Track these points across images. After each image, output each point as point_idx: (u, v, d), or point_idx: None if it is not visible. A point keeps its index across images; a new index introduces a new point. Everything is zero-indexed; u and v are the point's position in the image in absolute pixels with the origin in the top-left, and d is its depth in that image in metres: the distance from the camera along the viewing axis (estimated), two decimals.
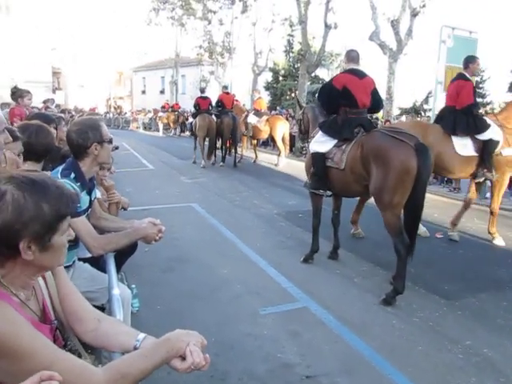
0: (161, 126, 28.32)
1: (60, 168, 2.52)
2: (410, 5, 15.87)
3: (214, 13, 27.73)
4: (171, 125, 26.84)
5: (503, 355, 3.36)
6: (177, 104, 29.86)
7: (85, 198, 2.51)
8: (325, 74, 31.46)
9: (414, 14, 15.80)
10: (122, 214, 3.81)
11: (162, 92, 41.02)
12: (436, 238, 6.42)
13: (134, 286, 3.74)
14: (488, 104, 28.81)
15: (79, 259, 2.70)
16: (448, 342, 3.50)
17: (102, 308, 2.37)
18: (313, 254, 5.18)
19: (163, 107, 27.72)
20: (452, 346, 3.45)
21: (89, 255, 2.61)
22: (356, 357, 3.28)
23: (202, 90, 14.29)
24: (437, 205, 8.45)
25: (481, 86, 27.84)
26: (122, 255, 3.02)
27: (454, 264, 5.17)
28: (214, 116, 13.24)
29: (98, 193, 3.00)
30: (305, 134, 5.78)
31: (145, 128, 31.69)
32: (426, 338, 3.57)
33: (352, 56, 4.91)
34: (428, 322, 3.84)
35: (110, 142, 2.61)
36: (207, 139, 13.27)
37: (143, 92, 45.00)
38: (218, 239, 6.01)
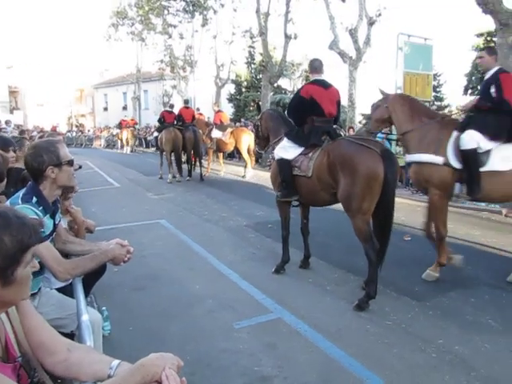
0: (119, 143, 27.87)
1: (21, 193, 2.42)
2: (366, 14, 16.32)
3: (174, 27, 27.72)
4: (128, 141, 26.34)
5: (473, 350, 3.46)
6: (132, 120, 29.48)
7: (48, 222, 2.43)
8: (287, 84, 31.86)
9: (371, 23, 16.25)
10: (89, 234, 3.71)
11: (125, 108, 40.55)
12: (404, 240, 6.55)
13: (104, 308, 3.65)
14: (446, 107, 29.85)
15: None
16: (421, 343, 3.56)
17: (71, 335, 2.30)
18: (284, 265, 5.19)
19: (120, 124, 27.20)
20: (425, 345, 3.52)
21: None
22: (333, 365, 3.29)
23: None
24: (403, 207, 8.62)
25: (438, 89, 28.79)
26: (91, 278, 2.95)
27: (423, 265, 5.26)
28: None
29: (63, 219, 2.92)
30: (262, 141, 5.74)
31: (108, 145, 31.16)
32: (400, 340, 3.62)
33: (315, 66, 4.98)
34: (401, 324, 3.90)
35: (70, 163, 2.49)
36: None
37: (105, 109, 44.35)
38: (188, 254, 5.94)
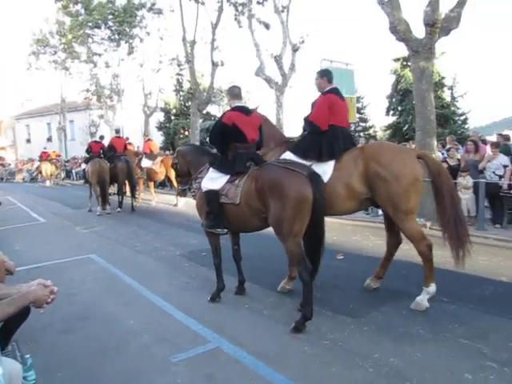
0: (40, 177, 26.72)
1: None
2: (290, 41, 17.01)
3: (100, 55, 27.32)
4: (48, 174, 25.27)
5: (406, 361, 3.60)
6: (54, 152, 28.43)
7: None
8: (216, 111, 32.20)
9: (295, 50, 16.96)
10: (10, 276, 3.49)
11: (50, 139, 39.08)
12: (337, 259, 6.74)
13: (27, 356, 3.41)
14: (371, 127, 31.45)
15: None
16: (359, 359, 3.65)
17: None
18: (219, 292, 5.15)
19: (41, 156, 26.08)
20: (362, 361, 3.61)
21: None
22: None
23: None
24: (334, 227, 8.89)
25: (362, 111, 30.30)
26: (12, 324, 2.76)
27: (356, 283, 5.43)
28: (106, 161, 12.87)
29: None
30: (183, 178, 5.73)
31: (32, 179, 29.69)
32: (337, 358, 3.68)
33: (235, 92, 5.09)
34: (338, 342, 3.97)
35: None
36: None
37: (28, 141, 42.49)
38: (120, 289, 5.74)
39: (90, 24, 24.42)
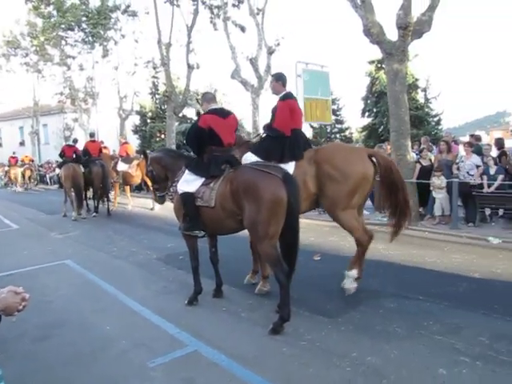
0: (11, 182, 26.18)
1: None
2: (265, 43, 17.08)
3: (73, 58, 26.89)
4: (18, 179, 24.77)
5: (383, 359, 3.64)
6: (27, 156, 27.90)
7: None
8: (192, 114, 32.02)
9: (270, 52, 17.05)
10: None
11: (22, 144, 38.25)
12: (314, 260, 6.79)
13: None
14: (347, 129, 31.82)
15: None
16: (336, 358, 3.67)
17: None
18: (197, 296, 5.14)
19: (9, 161, 25.54)
20: (340, 361, 3.63)
21: None
22: None
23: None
24: (312, 228, 8.97)
25: (338, 113, 30.62)
26: None
27: (333, 283, 5.48)
28: (81, 165, 12.69)
29: None
30: (161, 184, 5.66)
31: (5, 184, 29.02)
32: (315, 358, 3.70)
33: (209, 97, 5.13)
34: (315, 342, 4.00)
35: None
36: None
37: None
38: (97, 295, 5.66)
39: (62, 26, 24.01)
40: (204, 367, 3.66)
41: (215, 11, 18.77)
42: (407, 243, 7.79)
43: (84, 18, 24.19)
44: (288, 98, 5.36)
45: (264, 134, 5.62)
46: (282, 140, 5.23)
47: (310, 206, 5.33)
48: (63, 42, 26.01)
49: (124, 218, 12.34)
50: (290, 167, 5.06)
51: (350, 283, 5.10)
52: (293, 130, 5.26)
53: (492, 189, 8.66)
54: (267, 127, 5.52)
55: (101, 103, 28.58)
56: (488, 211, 9.43)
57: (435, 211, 9.43)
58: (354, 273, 5.16)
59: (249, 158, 5.13)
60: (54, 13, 24.26)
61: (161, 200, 5.80)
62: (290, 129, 5.23)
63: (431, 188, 9.46)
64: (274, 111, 5.38)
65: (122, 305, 5.24)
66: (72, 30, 25.04)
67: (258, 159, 5.08)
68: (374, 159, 5.12)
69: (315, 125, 25.44)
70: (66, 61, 26.69)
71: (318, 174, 5.04)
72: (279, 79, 5.49)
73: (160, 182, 5.67)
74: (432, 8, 9.58)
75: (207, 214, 4.71)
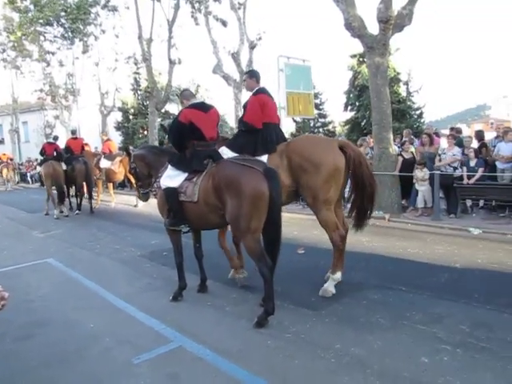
0: None
1: None
2: (247, 38, 17.03)
3: (53, 54, 26.43)
4: None
5: (367, 350, 3.70)
6: (5, 154, 27.47)
7: None
8: (175, 109, 31.85)
9: (252, 47, 17.01)
10: None
11: (2, 142, 37.59)
12: (298, 253, 6.83)
13: None
14: (330, 123, 31.93)
15: None
16: (320, 350, 3.71)
17: None
18: (181, 291, 5.13)
19: None
20: (324, 352, 3.67)
21: None
22: None
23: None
24: (295, 222, 9.01)
25: (321, 107, 30.71)
26: None
27: (317, 276, 5.52)
28: (63, 163, 12.53)
29: None
30: (144, 181, 5.68)
31: None
32: (300, 350, 3.74)
33: (187, 94, 5.12)
34: (300, 335, 4.03)
35: None
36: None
37: None
38: (80, 293, 5.61)
39: (40, 21, 23.54)
40: (189, 362, 3.67)
41: (196, 6, 18.64)
42: (390, 235, 7.90)
43: (63, 13, 23.73)
44: (260, 92, 5.38)
45: (239, 130, 5.65)
46: (254, 134, 5.27)
47: (287, 199, 5.33)
48: (42, 38, 25.51)
49: (107, 216, 12.25)
50: (263, 161, 5.06)
51: (330, 286, 5.07)
52: (265, 123, 5.28)
53: (472, 181, 8.80)
54: (239, 120, 5.60)
55: (82, 100, 28.23)
56: (469, 202, 9.60)
57: (418, 203, 9.56)
58: (338, 276, 5.17)
59: (224, 152, 5.13)
60: (31, 7, 23.79)
61: (144, 197, 5.78)
62: (260, 122, 5.25)
63: (414, 181, 9.57)
64: (245, 106, 5.45)
65: (105, 302, 5.21)
66: (51, 25, 24.58)
67: (233, 154, 5.09)
68: (345, 150, 5.09)
69: (298, 119, 25.59)
70: (45, 57, 26.21)
71: (290, 166, 5.05)
72: (253, 76, 5.53)
73: (143, 179, 5.67)
74: (412, 2, 9.68)
75: (190, 208, 4.70)
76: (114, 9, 24.32)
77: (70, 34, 24.86)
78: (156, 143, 17.47)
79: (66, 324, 4.62)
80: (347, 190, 5.65)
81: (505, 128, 9.81)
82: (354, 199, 5.27)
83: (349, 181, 5.36)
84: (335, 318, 4.37)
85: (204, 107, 4.94)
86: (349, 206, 5.45)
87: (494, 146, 9.43)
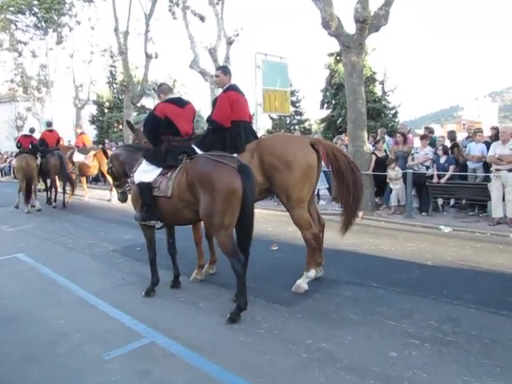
0: None
1: None
2: (225, 34, 16.96)
3: (25, 44, 25.82)
4: None
5: (338, 345, 3.75)
6: None
7: None
8: (151, 104, 31.52)
9: (230, 42, 16.95)
10: None
11: None
12: (272, 250, 6.87)
13: None
14: (306, 120, 32.09)
15: None
16: (292, 346, 3.75)
17: None
18: (154, 287, 5.11)
19: None
20: (296, 348, 3.71)
21: None
22: (210, 381, 3.28)
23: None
24: (269, 219, 9.03)
25: (297, 105, 30.85)
26: None
27: (290, 272, 5.55)
28: (37, 156, 12.25)
29: None
30: (120, 179, 5.61)
31: None
32: (272, 346, 3.76)
33: (165, 88, 5.07)
34: (273, 330, 4.05)
35: None
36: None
37: None
38: (50, 289, 5.52)
39: (11, 9, 22.93)
40: (161, 358, 3.65)
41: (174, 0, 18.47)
42: (363, 232, 8.00)
43: (35, 2, 23.18)
44: (231, 89, 5.34)
45: (208, 128, 5.60)
46: (223, 132, 5.23)
47: (259, 196, 5.27)
48: (13, 27, 24.88)
49: (80, 210, 12.07)
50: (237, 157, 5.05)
51: (303, 283, 5.09)
52: (234, 121, 5.24)
53: (444, 180, 8.99)
54: (207, 120, 5.54)
55: (55, 92, 27.66)
56: (440, 201, 9.80)
57: (391, 201, 9.71)
58: (311, 273, 5.19)
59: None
60: None
61: (122, 197, 5.69)
62: (229, 120, 5.21)
63: (388, 180, 9.72)
64: (214, 103, 5.40)
65: (77, 298, 5.14)
66: (23, 13, 23.97)
67: (201, 152, 4.99)
68: (316, 147, 5.08)
69: (274, 116, 25.64)
70: (16, 46, 25.59)
71: (262, 165, 5.01)
72: (227, 72, 5.48)
73: (120, 178, 5.62)
74: (389, 3, 9.80)
75: (164, 204, 4.68)
76: (90, 0, 23.87)
77: (43, 23, 24.30)
78: (131, 138, 17.28)
79: (35, 321, 4.54)
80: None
81: (475, 129, 10.04)
82: (341, 195, 5.18)
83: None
84: (307, 314, 4.42)
85: (180, 102, 4.92)
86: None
87: (465, 147, 9.66)
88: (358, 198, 5.11)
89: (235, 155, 5.02)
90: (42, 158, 12.30)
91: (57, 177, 12.74)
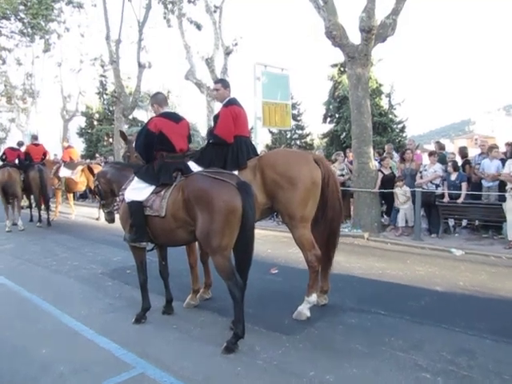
0: None
1: None
2: (222, 43, 17.14)
3: (9, 51, 25.99)
4: None
5: (343, 378, 3.71)
6: None
7: None
8: (144, 116, 31.69)
9: (228, 52, 17.13)
10: None
11: None
12: (271, 273, 6.83)
13: None
14: (308, 135, 32.22)
15: None
16: (294, 378, 3.70)
17: None
18: (145, 313, 5.07)
19: None
20: (298, 380, 3.66)
21: None
22: None
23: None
24: (269, 240, 9.03)
25: (298, 118, 31.01)
26: None
27: (291, 298, 5.52)
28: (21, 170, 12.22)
29: None
30: (108, 198, 5.62)
31: None
32: (272, 379, 3.72)
33: (161, 99, 5.10)
34: (272, 361, 4.01)
35: None
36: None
37: None
38: (33, 315, 5.45)
39: None
40: None
41: (169, 7, 18.69)
42: (369, 255, 7.99)
43: (22, 7, 23.38)
44: (232, 104, 5.37)
45: (207, 143, 5.61)
46: (224, 148, 5.25)
47: (261, 216, 5.32)
48: None
49: (66, 229, 12.03)
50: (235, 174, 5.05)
51: (305, 309, 5.07)
52: (236, 136, 5.27)
53: (460, 200, 8.90)
54: (209, 132, 5.54)
55: (41, 102, 27.82)
56: (451, 222, 9.79)
57: (398, 222, 9.70)
58: (313, 298, 5.16)
59: (192, 167, 5.06)
60: None
61: (109, 217, 5.68)
62: (232, 136, 5.24)
63: (395, 200, 9.71)
64: (216, 118, 5.42)
65: (61, 325, 5.08)
66: (7, 19, 24.11)
67: (200, 169, 5.02)
68: (319, 164, 5.13)
69: (274, 130, 25.77)
70: (0, 54, 25.78)
71: (264, 182, 5.03)
72: (227, 86, 5.51)
73: (107, 197, 5.62)
74: (396, 11, 9.93)
75: (157, 223, 4.66)
76: (80, 5, 24.07)
77: (29, 30, 24.41)
78: (122, 152, 17.32)
79: (16, 351, 4.46)
80: None
81: (491, 145, 9.92)
82: (316, 223, 5.24)
83: None
84: (310, 344, 4.37)
85: (175, 117, 4.96)
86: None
87: (478, 164, 9.51)
88: (333, 235, 5.37)
89: (236, 172, 5.03)
90: (24, 173, 12.22)
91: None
